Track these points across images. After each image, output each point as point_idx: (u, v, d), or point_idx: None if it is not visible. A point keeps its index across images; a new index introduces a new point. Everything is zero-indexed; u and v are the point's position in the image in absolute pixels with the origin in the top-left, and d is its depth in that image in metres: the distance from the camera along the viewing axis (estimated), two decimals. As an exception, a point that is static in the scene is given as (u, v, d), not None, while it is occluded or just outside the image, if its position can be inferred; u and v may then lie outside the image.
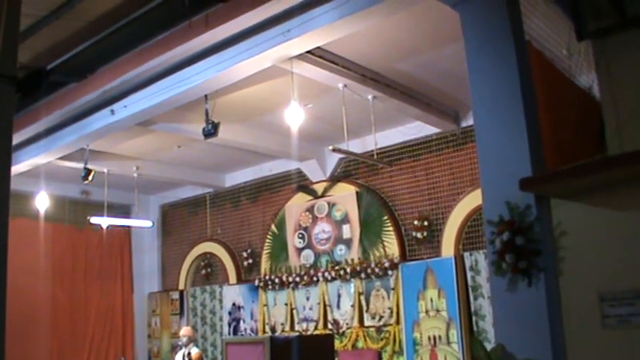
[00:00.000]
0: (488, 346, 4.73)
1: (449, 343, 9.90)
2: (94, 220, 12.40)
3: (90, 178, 10.95)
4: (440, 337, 10.01)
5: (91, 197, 13.94)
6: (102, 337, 14.45)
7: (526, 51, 4.76)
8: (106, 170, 12.16)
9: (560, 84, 5.11)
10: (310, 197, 12.17)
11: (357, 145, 10.93)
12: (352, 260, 11.33)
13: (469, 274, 9.98)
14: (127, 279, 15.21)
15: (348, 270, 11.24)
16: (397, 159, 11.18)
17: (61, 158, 11.07)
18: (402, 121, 10.67)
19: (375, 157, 10.45)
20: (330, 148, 9.29)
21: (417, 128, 10.71)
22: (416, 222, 10.71)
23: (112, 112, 9.09)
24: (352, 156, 10.40)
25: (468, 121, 10.20)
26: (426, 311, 10.23)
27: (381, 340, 10.77)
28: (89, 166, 11.00)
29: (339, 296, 11.49)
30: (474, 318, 9.81)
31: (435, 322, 10.10)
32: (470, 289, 9.91)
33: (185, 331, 10.73)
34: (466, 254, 10.09)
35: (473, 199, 9.86)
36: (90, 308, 14.41)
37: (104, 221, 12.69)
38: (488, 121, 4.82)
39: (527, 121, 4.57)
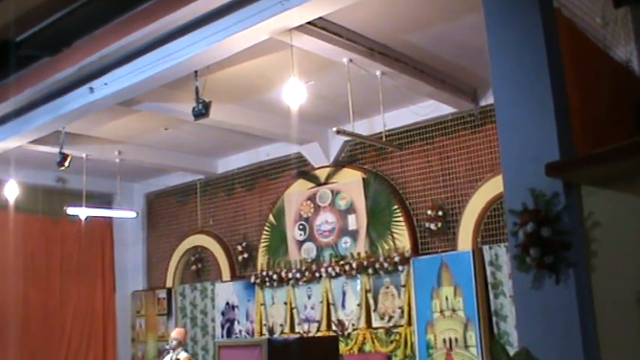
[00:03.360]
0: (511, 351, 4.72)
1: (466, 346, 9.92)
2: (70, 210, 12.44)
3: (66, 164, 10.95)
4: (456, 339, 10.03)
5: (67, 185, 13.94)
6: (80, 341, 14.48)
7: (554, 20, 4.71)
8: (84, 155, 12.16)
9: (593, 57, 5.06)
10: (312, 184, 12.21)
11: (364, 127, 10.93)
12: (358, 254, 11.36)
13: (489, 270, 9.98)
14: (109, 276, 15.22)
15: (354, 265, 11.27)
16: (408, 142, 11.20)
17: (34, 142, 11.06)
18: (414, 99, 10.68)
19: (384, 139, 10.49)
20: (334, 129, 9.30)
21: (430, 108, 10.72)
22: (429, 212, 10.73)
23: (91, 90, 9.07)
24: (358, 138, 10.43)
25: (488, 100, 10.20)
26: (441, 311, 10.26)
27: (391, 343, 10.82)
28: (65, 151, 10.98)
29: (343, 294, 11.53)
30: (494, 319, 9.86)
31: (451, 323, 10.12)
32: (489, 287, 9.95)
33: (176, 333, 10.66)
34: (485, 248, 10.09)
35: (493, 187, 9.85)
36: (66, 310, 14.42)
37: (82, 212, 12.71)
38: (511, 99, 4.79)
39: (555, 99, 4.53)
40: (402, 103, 10.86)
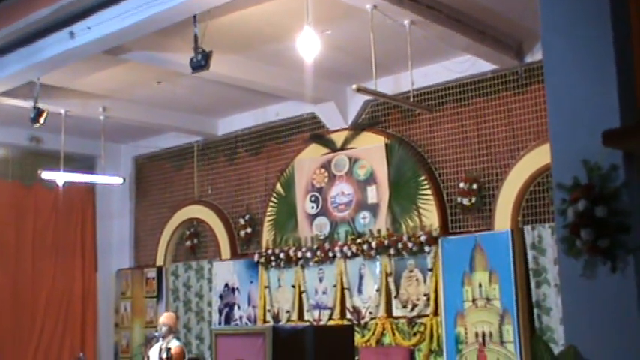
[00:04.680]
0: (555, 349, 4.72)
1: (502, 342, 9.92)
2: (46, 175, 12.40)
3: (41, 120, 10.94)
4: (490, 333, 10.02)
5: (42, 146, 13.97)
6: (54, 328, 14.53)
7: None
8: (62, 111, 12.12)
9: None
10: (327, 150, 12.22)
11: (389, 85, 10.92)
12: (379, 232, 11.37)
13: (530, 254, 9.96)
14: (89, 252, 15.25)
15: (374, 244, 11.28)
16: (440, 103, 11.16)
17: (4, 94, 11.08)
18: (447, 54, 10.65)
19: (412, 99, 10.40)
20: (354, 87, 9.21)
21: (466, 64, 10.68)
22: (462, 185, 10.72)
23: (72, 34, 9.03)
24: (382, 98, 10.40)
25: (535, 56, 10.12)
26: (473, 300, 10.26)
27: (414, 335, 10.84)
28: (41, 106, 10.95)
29: (360, 277, 11.57)
30: (535, 311, 9.82)
31: (485, 314, 10.12)
32: (531, 273, 9.91)
33: (166, 318, 10.79)
34: (527, 228, 10.06)
35: (538, 157, 9.79)
36: (39, 291, 14.44)
37: (60, 177, 12.66)
38: (563, 55, 4.76)
39: (617, 55, 4.51)
40: (434, 58, 10.82)
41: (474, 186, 10.60)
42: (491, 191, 10.54)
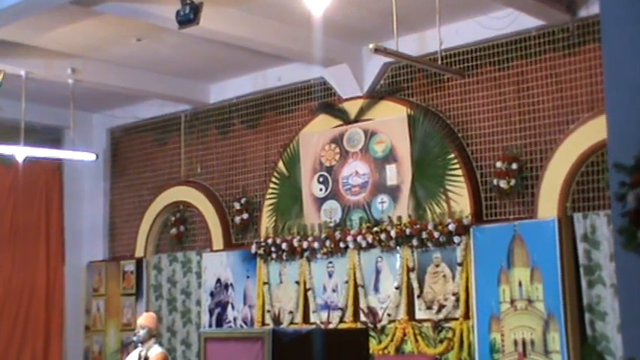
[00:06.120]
0: (611, 362, 4.71)
1: (546, 352, 9.92)
2: (3, 149, 12.46)
3: (-3, 83, 11.01)
4: (532, 342, 10.03)
5: (-1, 114, 14.05)
6: (12, 330, 14.51)
7: None
8: (23, 73, 12.16)
9: None
10: (338, 122, 12.24)
11: (412, 44, 10.96)
12: (399, 219, 11.39)
13: (581, 247, 9.97)
14: (55, 241, 15.27)
15: (393, 233, 11.31)
16: (473, 66, 11.21)
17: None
18: (483, 7, 10.67)
19: (440, 62, 10.39)
20: (371, 47, 9.20)
21: (506, 19, 10.68)
22: (499, 164, 10.71)
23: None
24: (404, 60, 10.45)
25: (590, 9, 10.12)
26: (512, 301, 10.28)
27: (440, 342, 10.85)
28: (-5, 66, 11.05)
29: (377, 273, 11.63)
30: (587, 316, 9.84)
31: (526, 318, 10.12)
32: (582, 271, 9.95)
33: (145, 319, 10.71)
34: (577, 216, 10.07)
35: (591, 132, 9.77)
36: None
37: (20, 152, 12.62)
38: (624, 8, 4.71)
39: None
40: (467, 13, 10.88)
41: (514, 165, 10.58)
42: (534, 172, 10.54)
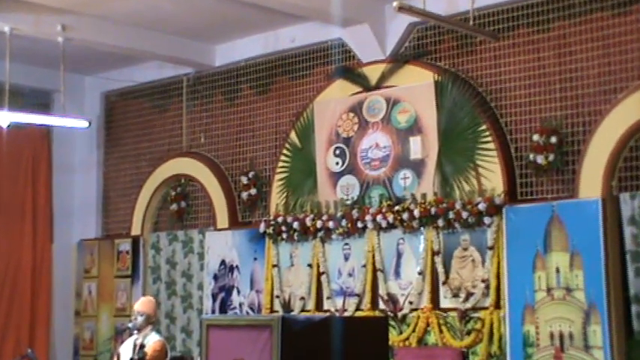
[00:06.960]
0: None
1: (587, 347, 9.83)
2: (-15, 114, 12.55)
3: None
4: (571, 335, 9.92)
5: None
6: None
7: None
8: (7, 29, 12.09)
9: None
10: (357, 88, 12.17)
11: (441, 3, 10.89)
12: (423, 197, 11.33)
13: (628, 231, 9.82)
14: (43, 217, 15.30)
15: (416, 213, 11.23)
16: (509, 28, 11.10)
17: None
18: None
19: (471, 23, 10.41)
20: (395, 5, 9.12)
21: (546, -26, 10.70)
22: (536, 137, 10.58)
23: None
24: (431, 20, 10.42)
25: (642, -39, 10.10)
26: (548, 290, 10.19)
27: (468, 334, 10.81)
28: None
29: (398, 256, 11.59)
30: (633, 308, 9.72)
31: (564, 309, 10.02)
32: (628, 257, 9.80)
33: (143, 304, 10.72)
34: (624, 196, 9.93)
35: (641, 102, 9.74)
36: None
37: (4, 117, 12.51)
38: None
39: None
40: (503, -34, 10.84)
41: (553, 139, 10.42)
42: (575, 146, 10.43)
